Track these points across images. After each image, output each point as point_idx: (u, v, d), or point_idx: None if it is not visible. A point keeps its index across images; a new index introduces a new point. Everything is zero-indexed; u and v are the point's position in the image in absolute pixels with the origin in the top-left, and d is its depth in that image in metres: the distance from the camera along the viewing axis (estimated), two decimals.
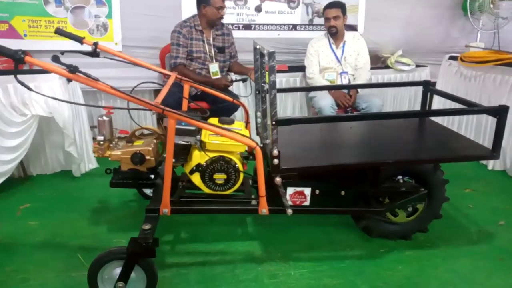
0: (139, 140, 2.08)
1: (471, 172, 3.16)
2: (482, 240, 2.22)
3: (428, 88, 2.32)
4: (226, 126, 1.95)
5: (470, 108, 1.92)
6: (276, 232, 2.27)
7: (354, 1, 3.95)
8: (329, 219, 2.36)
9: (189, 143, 1.88)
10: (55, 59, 1.52)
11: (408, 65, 3.97)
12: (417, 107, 4.00)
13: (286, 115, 3.81)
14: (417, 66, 4.08)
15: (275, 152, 1.69)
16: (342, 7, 3.39)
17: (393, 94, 4.02)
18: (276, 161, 1.70)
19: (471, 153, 1.86)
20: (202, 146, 1.90)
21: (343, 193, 1.97)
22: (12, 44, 3.36)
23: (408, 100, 4.08)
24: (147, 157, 1.99)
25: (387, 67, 4.03)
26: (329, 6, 3.39)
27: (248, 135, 2.02)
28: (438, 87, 3.83)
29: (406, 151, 1.95)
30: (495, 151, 1.79)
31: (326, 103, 3.14)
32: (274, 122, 1.65)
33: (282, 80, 3.72)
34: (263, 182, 1.73)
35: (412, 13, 4.11)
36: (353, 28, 3.99)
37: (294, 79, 3.73)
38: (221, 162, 1.88)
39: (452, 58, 3.62)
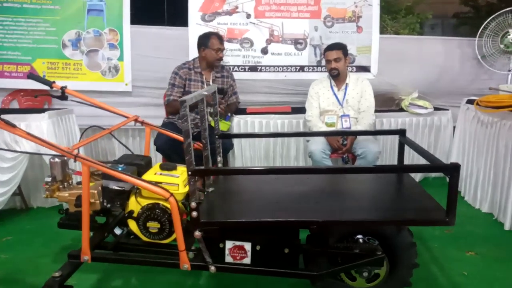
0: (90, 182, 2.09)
1: (482, 231, 2.77)
2: None
3: (403, 138, 2.09)
4: (165, 172, 1.92)
5: (423, 165, 1.69)
6: (229, 286, 2.13)
7: (367, 42, 3.80)
8: None
9: (123, 188, 1.85)
10: None
11: (426, 108, 3.68)
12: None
13: (289, 158, 3.69)
14: (437, 109, 3.77)
15: (193, 204, 1.59)
16: (343, 49, 3.26)
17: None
18: (194, 213, 1.60)
19: (421, 218, 1.61)
20: (138, 193, 1.86)
21: (286, 250, 1.80)
22: (32, 84, 3.70)
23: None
24: (92, 200, 1.97)
25: (402, 110, 3.76)
26: (329, 48, 3.27)
27: None
28: (457, 133, 3.50)
29: (354, 209, 1.74)
30: (449, 216, 1.53)
31: (317, 147, 2.97)
32: (190, 173, 1.57)
33: (285, 121, 3.62)
34: (181, 235, 1.64)
35: (433, 53, 3.85)
36: (366, 69, 3.82)
37: (297, 121, 3.61)
38: (156, 210, 1.82)
39: (470, 102, 3.29)
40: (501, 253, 2.48)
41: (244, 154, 3.63)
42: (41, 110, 2.89)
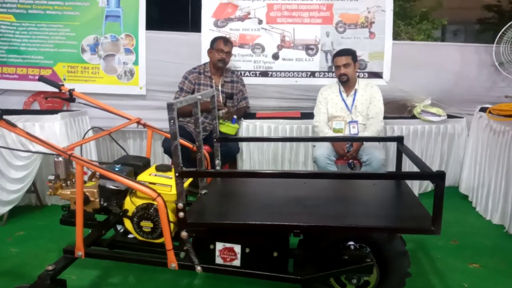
0: (92, 182, 2.17)
1: (490, 243, 2.68)
2: None
3: (401, 146, 2.07)
4: (160, 173, 1.97)
5: (411, 172, 1.66)
6: (224, 286, 2.16)
7: (379, 48, 3.76)
8: None
9: (119, 188, 1.92)
10: None
11: (439, 115, 3.60)
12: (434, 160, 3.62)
13: (298, 163, 3.68)
14: (451, 117, 3.68)
15: (180, 205, 1.63)
16: (353, 54, 3.25)
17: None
18: (181, 214, 1.64)
19: (406, 225, 1.59)
20: (133, 193, 1.92)
21: (275, 254, 1.82)
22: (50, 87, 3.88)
23: (424, 153, 3.66)
24: (91, 199, 2.05)
25: (415, 117, 3.69)
26: (338, 53, 3.27)
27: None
28: (470, 141, 3.40)
29: (341, 215, 1.73)
30: (434, 225, 1.50)
31: (321, 152, 2.97)
32: (177, 174, 1.61)
33: (294, 127, 3.62)
34: (168, 235, 1.68)
35: (448, 59, 3.76)
36: (378, 75, 3.78)
37: (306, 126, 3.61)
38: (150, 210, 1.87)
39: (484, 110, 3.20)
40: (507, 266, 2.39)
41: (253, 158, 3.65)
42: (54, 112, 3.02)
